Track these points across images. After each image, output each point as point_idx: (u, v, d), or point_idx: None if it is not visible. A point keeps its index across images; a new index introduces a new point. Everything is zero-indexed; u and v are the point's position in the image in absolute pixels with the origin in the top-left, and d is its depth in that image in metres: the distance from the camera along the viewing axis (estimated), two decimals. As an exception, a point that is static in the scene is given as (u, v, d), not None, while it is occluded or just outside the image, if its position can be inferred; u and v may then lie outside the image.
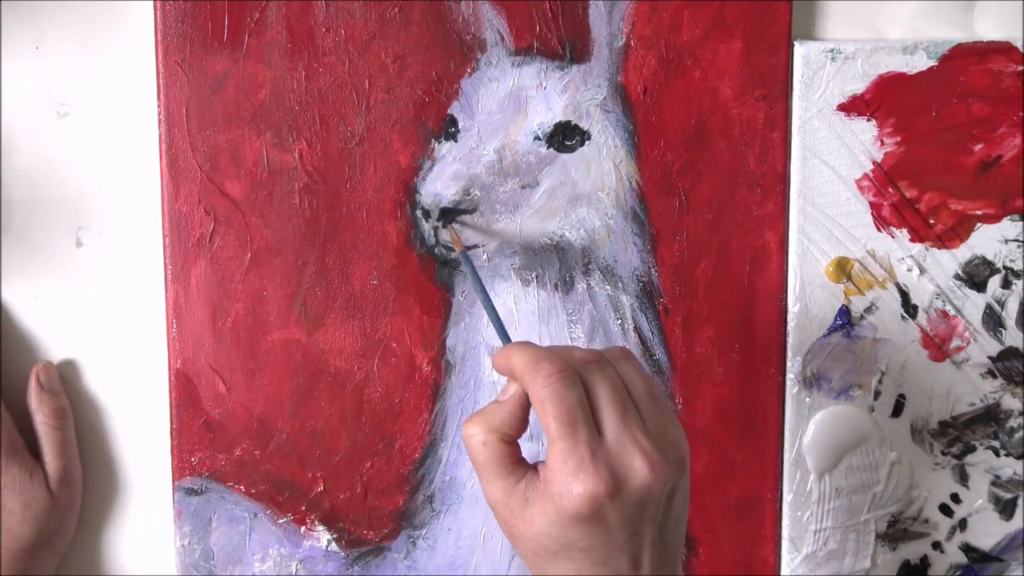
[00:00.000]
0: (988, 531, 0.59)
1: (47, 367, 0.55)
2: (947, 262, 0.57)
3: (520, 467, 0.42)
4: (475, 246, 0.55)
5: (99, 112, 0.54)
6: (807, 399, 0.57)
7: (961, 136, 0.55)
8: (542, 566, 0.41)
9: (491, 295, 0.55)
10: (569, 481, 0.39)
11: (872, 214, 0.56)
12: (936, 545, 0.59)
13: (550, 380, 0.40)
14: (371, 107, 0.53)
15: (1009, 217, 0.56)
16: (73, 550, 0.56)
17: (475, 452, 0.42)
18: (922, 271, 0.57)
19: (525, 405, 0.42)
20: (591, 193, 0.55)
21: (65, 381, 0.55)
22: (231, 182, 0.53)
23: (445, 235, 0.54)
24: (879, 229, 0.56)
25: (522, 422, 0.42)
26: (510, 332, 0.55)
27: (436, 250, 0.55)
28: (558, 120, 0.54)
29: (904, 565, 0.59)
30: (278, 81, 0.53)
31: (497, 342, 0.55)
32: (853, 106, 0.55)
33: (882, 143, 0.55)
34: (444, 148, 0.54)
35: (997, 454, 0.59)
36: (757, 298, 0.56)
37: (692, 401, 0.56)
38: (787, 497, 0.57)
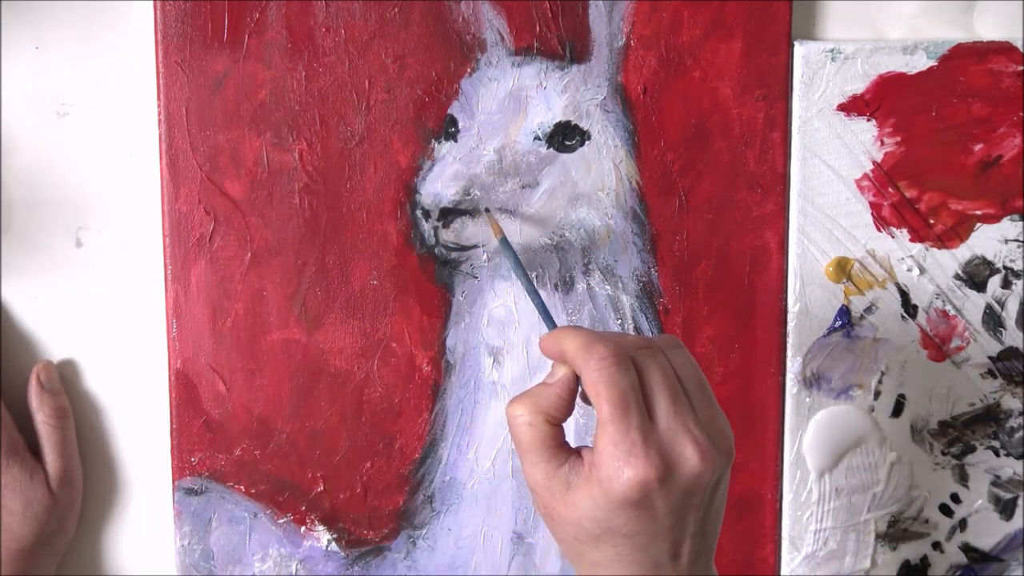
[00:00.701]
0: (988, 531, 0.59)
1: (47, 367, 0.55)
2: (947, 262, 0.57)
3: (563, 451, 0.42)
4: (475, 246, 0.55)
5: (99, 112, 0.54)
6: (807, 399, 0.57)
7: (961, 136, 0.55)
8: (581, 551, 0.41)
9: (492, 295, 0.55)
10: (620, 465, 0.39)
11: (872, 214, 0.56)
12: (936, 545, 0.59)
13: (604, 363, 0.40)
14: (371, 107, 0.53)
15: (1009, 217, 0.56)
16: (73, 550, 0.56)
17: (520, 433, 0.42)
18: (922, 271, 0.57)
19: (573, 388, 0.42)
20: (591, 193, 0.55)
21: (65, 381, 0.55)
22: (231, 182, 0.53)
23: (446, 235, 0.54)
24: (879, 229, 0.56)
25: (569, 405, 0.42)
26: (509, 333, 0.55)
27: (436, 250, 0.55)
28: (558, 120, 0.54)
29: (904, 565, 0.59)
30: (278, 81, 0.53)
31: (497, 340, 0.55)
32: (853, 106, 0.55)
33: (882, 143, 0.55)
34: (444, 148, 0.54)
35: (997, 454, 0.59)
36: (757, 298, 0.56)
37: (692, 401, 0.56)
38: (787, 497, 0.57)
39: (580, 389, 0.42)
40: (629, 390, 0.40)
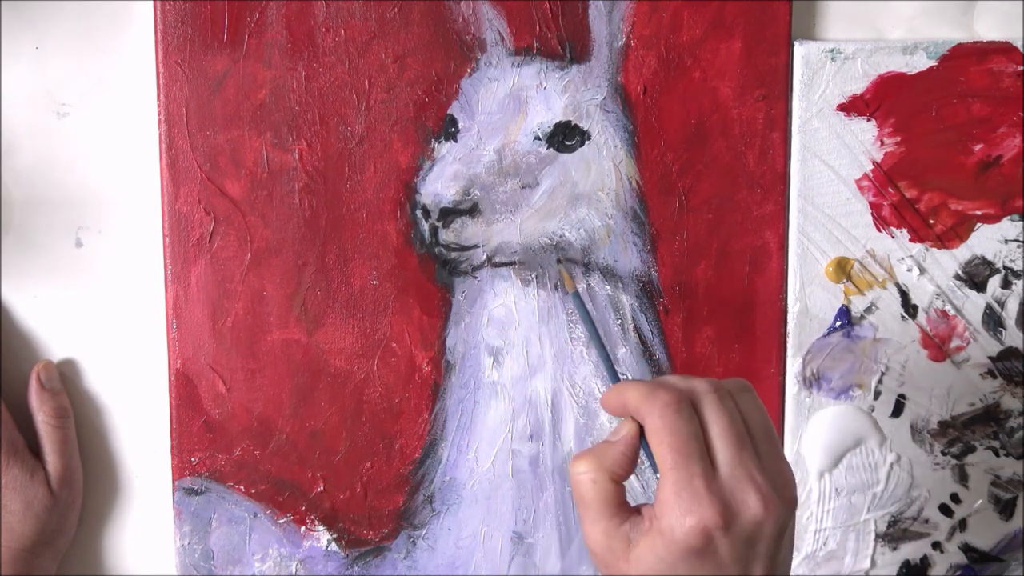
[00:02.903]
0: (988, 531, 0.59)
1: (47, 366, 0.55)
2: (947, 262, 0.57)
3: (624, 508, 0.41)
4: (475, 246, 0.55)
5: (99, 112, 0.54)
6: (807, 399, 0.57)
7: (961, 136, 0.55)
8: None
9: (492, 295, 0.55)
10: (682, 513, 0.39)
11: (872, 214, 0.56)
12: (936, 545, 0.59)
13: (667, 410, 0.40)
14: (371, 107, 0.53)
15: (1009, 217, 0.56)
16: (73, 550, 0.56)
17: (583, 490, 0.41)
18: (922, 271, 0.57)
19: (637, 446, 0.42)
20: (591, 193, 0.55)
21: (65, 381, 0.55)
22: (231, 182, 0.53)
23: (446, 235, 0.54)
24: (879, 229, 0.56)
25: (632, 462, 0.42)
26: (509, 333, 0.55)
27: (436, 250, 0.55)
28: (558, 120, 0.54)
29: (904, 565, 0.59)
30: (278, 81, 0.53)
31: (497, 340, 0.55)
32: (853, 106, 0.55)
33: (882, 143, 0.55)
34: (444, 148, 0.54)
35: (997, 454, 0.59)
36: (757, 298, 0.56)
37: (692, 401, 0.56)
38: (787, 497, 0.57)
39: (643, 443, 0.42)
40: (692, 437, 0.40)
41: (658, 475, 0.40)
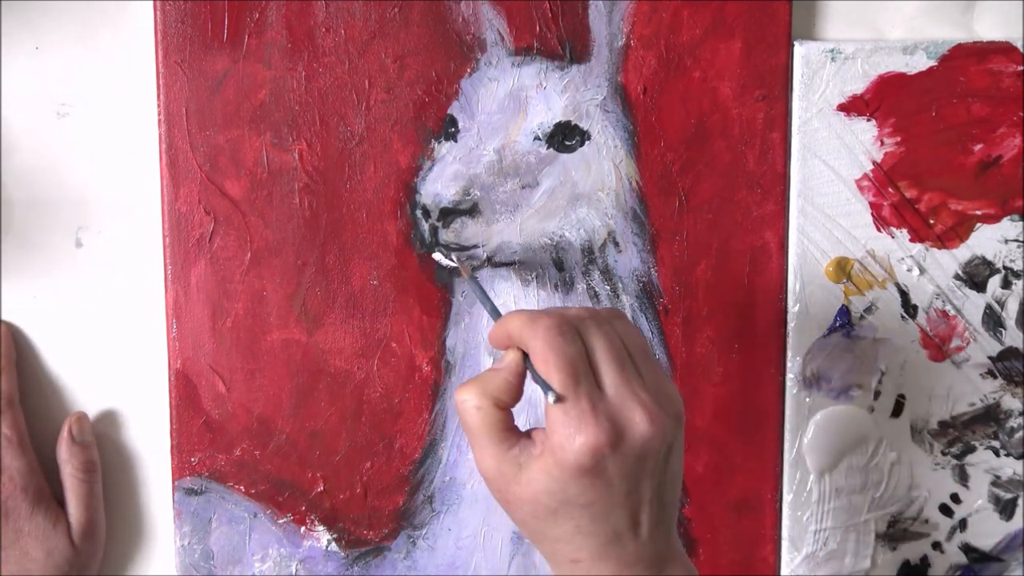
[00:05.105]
0: (988, 531, 0.59)
1: (81, 419, 0.55)
2: (947, 262, 0.57)
3: (513, 434, 0.42)
4: (475, 246, 0.55)
5: (99, 112, 0.54)
6: (807, 399, 0.57)
7: (961, 136, 0.55)
8: (540, 529, 0.41)
9: (492, 295, 0.55)
10: (572, 432, 0.39)
11: (872, 214, 0.56)
12: (936, 545, 0.59)
13: (550, 333, 0.40)
14: (371, 107, 0.53)
15: (1009, 217, 0.56)
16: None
17: (468, 417, 0.42)
18: (922, 271, 0.57)
19: (521, 372, 0.42)
20: (591, 193, 0.55)
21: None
22: (231, 182, 0.53)
23: (445, 235, 0.54)
24: (879, 229, 0.56)
25: (517, 389, 0.42)
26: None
27: (436, 250, 0.55)
28: (558, 120, 0.54)
29: (904, 565, 0.59)
30: (278, 81, 0.53)
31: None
32: (853, 106, 0.55)
33: (882, 143, 0.55)
34: (444, 148, 0.54)
35: (997, 454, 0.59)
36: (757, 298, 0.56)
37: (692, 401, 0.56)
38: (787, 497, 0.57)
39: (530, 369, 0.42)
40: (576, 358, 0.40)
41: (546, 392, 0.40)
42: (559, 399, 0.40)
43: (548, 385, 0.40)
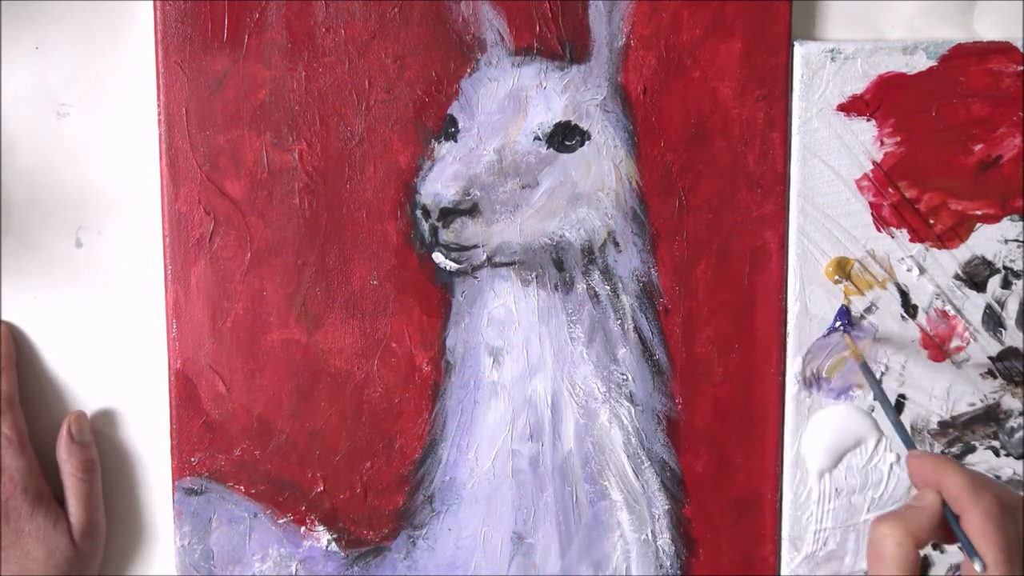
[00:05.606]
0: (988, 531, 0.59)
1: (79, 418, 0.55)
2: (947, 262, 0.57)
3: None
4: (475, 246, 0.55)
5: (99, 112, 0.54)
6: (807, 399, 0.57)
7: (961, 136, 0.55)
8: None
9: (492, 295, 0.55)
10: None
11: (872, 214, 0.56)
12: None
13: (994, 511, 0.42)
14: (371, 107, 0.53)
15: (1009, 217, 0.56)
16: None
17: (887, 552, 0.43)
18: (922, 271, 0.57)
19: (942, 515, 0.44)
20: (591, 193, 0.55)
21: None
22: (231, 182, 0.53)
23: (445, 235, 0.54)
24: (879, 229, 0.56)
25: (937, 532, 0.44)
26: (509, 333, 0.55)
27: (436, 250, 0.55)
28: (558, 120, 0.54)
29: (904, 565, 0.59)
30: (278, 81, 0.53)
31: (497, 340, 0.55)
32: (853, 106, 0.55)
33: (882, 143, 0.55)
34: (444, 148, 0.54)
35: (997, 454, 0.58)
36: (757, 298, 0.56)
37: (692, 401, 0.56)
38: (787, 497, 0.57)
39: (954, 526, 0.44)
40: (1014, 541, 0.42)
41: (973, 558, 0.42)
42: (985, 568, 0.42)
43: (976, 551, 0.42)
